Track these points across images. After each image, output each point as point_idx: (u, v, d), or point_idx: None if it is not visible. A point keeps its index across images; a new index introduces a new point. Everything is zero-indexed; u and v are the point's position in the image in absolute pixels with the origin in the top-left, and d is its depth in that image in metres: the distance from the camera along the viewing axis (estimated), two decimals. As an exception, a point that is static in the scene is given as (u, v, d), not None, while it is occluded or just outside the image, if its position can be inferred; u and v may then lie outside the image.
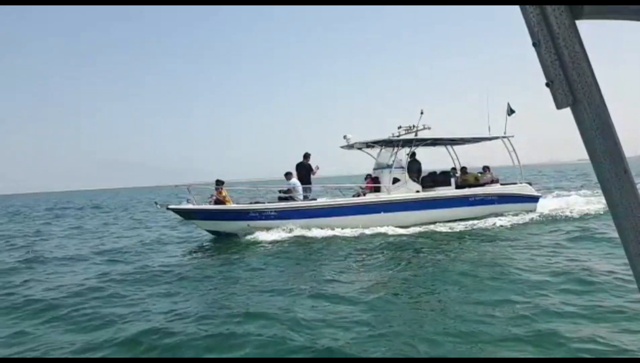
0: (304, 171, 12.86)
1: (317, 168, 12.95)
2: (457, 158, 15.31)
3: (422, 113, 13.03)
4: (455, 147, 15.35)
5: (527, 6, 0.69)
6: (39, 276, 8.77)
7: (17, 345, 4.94)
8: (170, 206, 11.89)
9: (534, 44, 0.70)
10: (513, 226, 11.73)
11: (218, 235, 12.14)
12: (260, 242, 10.91)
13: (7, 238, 16.56)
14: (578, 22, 0.69)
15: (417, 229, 11.92)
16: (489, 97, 14.19)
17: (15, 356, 4.63)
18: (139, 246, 12.16)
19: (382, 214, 12.30)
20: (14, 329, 5.46)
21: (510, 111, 13.72)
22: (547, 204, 14.64)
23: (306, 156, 13.07)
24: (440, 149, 15.32)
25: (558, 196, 17.90)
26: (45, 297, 6.84)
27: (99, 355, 4.51)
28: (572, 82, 0.69)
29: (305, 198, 12.55)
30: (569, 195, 17.65)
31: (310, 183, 12.90)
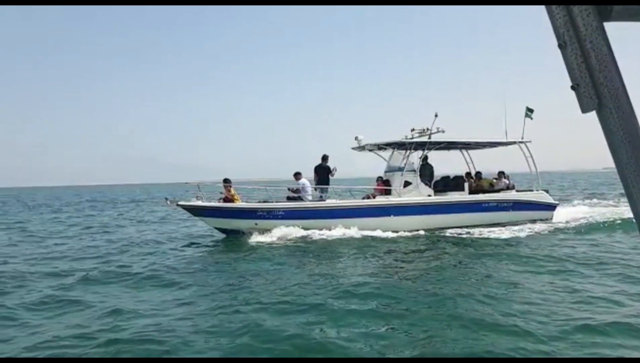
0: (323, 172, 12.84)
1: (335, 169, 12.88)
2: (472, 162, 14.99)
3: (436, 116, 12.68)
4: (486, 150, 14.99)
5: (553, 6, 0.67)
6: (147, 256, 9.84)
7: (188, 307, 5.81)
8: (180, 203, 11.94)
9: (560, 46, 0.68)
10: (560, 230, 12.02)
11: (226, 233, 12.17)
12: (265, 241, 10.92)
13: (81, 226, 17.40)
14: (606, 24, 0.67)
15: (442, 232, 11.89)
16: (505, 100, 14.00)
17: (194, 317, 5.32)
18: (203, 234, 13.30)
19: (392, 217, 12.20)
20: (180, 299, 6.26)
21: (529, 114, 13.42)
22: (570, 212, 14.32)
23: (324, 158, 13.03)
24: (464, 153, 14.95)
25: (600, 204, 17.47)
26: (177, 274, 7.85)
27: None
28: (599, 86, 0.67)
29: (321, 198, 12.56)
30: (616, 205, 17.22)
31: (328, 184, 12.86)
